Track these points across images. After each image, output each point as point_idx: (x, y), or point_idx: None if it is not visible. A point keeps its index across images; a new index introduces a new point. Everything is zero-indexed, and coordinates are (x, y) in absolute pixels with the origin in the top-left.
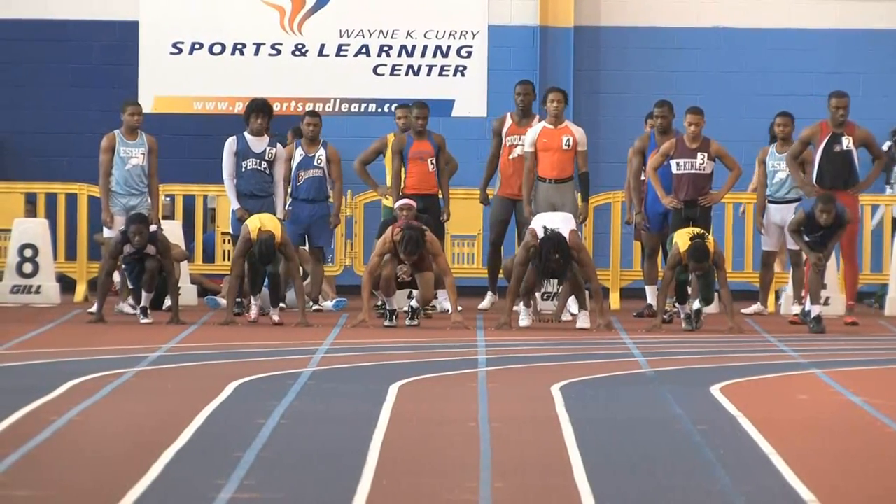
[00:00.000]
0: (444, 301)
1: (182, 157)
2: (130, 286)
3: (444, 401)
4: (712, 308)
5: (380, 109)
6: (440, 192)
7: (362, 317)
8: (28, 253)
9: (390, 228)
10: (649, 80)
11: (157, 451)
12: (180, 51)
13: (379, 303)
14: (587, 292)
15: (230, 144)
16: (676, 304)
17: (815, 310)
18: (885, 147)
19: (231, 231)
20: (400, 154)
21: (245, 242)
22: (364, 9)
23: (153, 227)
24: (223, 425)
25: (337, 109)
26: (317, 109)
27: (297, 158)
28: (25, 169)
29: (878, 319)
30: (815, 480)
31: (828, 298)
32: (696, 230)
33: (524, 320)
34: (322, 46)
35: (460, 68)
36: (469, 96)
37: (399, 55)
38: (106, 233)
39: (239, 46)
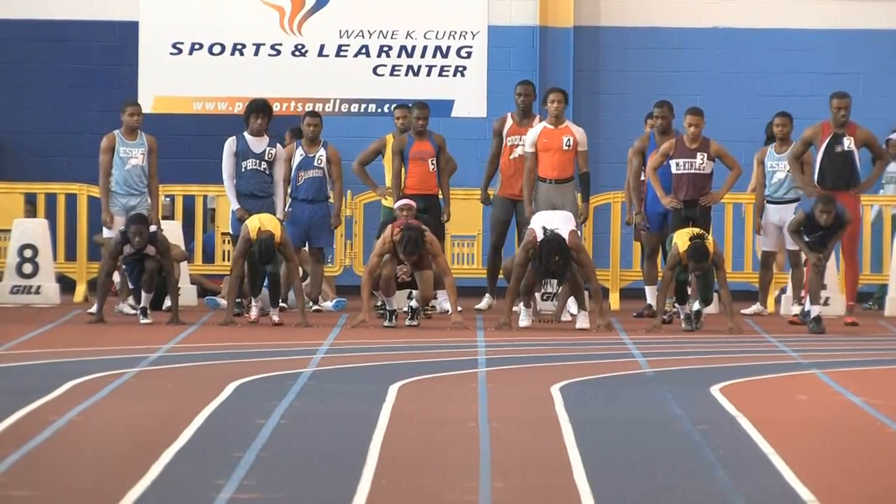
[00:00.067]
0: (443, 301)
1: (182, 157)
2: (130, 286)
3: (444, 401)
4: (712, 308)
5: (379, 110)
6: (440, 192)
7: (362, 317)
8: (28, 253)
9: (389, 228)
10: (649, 81)
11: (157, 452)
12: (180, 51)
13: (379, 303)
14: (587, 293)
15: (230, 145)
16: (676, 305)
17: (815, 310)
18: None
19: (231, 231)
20: (400, 154)
21: (245, 243)
22: (364, 9)
23: (153, 228)
24: (223, 425)
25: (337, 110)
26: (317, 110)
27: (297, 159)
28: (25, 169)
29: (877, 319)
30: (815, 480)
31: (827, 299)
32: (696, 230)
33: (524, 321)
34: (322, 47)
35: (460, 69)
36: (469, 97)
37: (399, 55)
38: (106, 233)
39: (239, 47)
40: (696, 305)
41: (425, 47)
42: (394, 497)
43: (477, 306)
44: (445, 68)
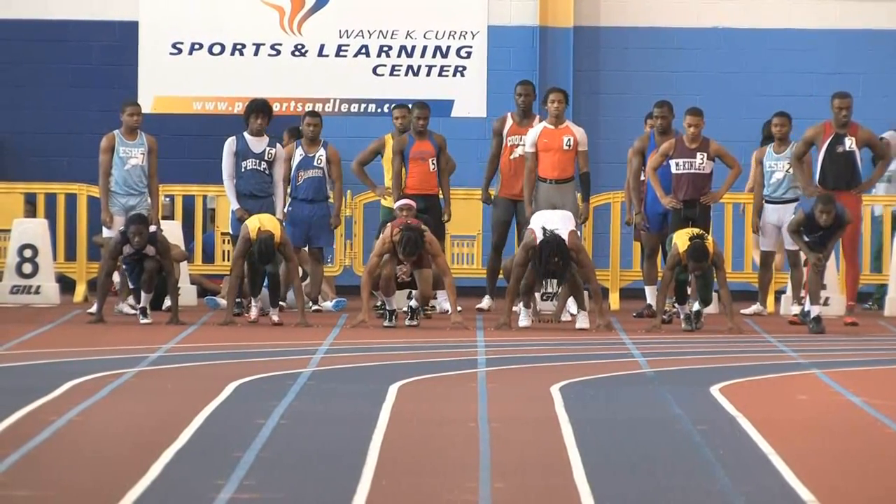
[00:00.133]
0: (443, 301)
1: (181, 157)
2: (130, 286)
3: (443, 401)
4: (712, 308)
5: (379, 110)
6: (441, 192)
7: (362, 317)
8: (28, 253)
9: (389, 228)
10: (649, 81)
11: (156, 452)
12: (180, 51)
13: (378, 303)
14: (586, 293)
15: (230, 145)
16: (676, 305)
17: (815, 310)
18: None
19: (231, 231)
20: (401, 154)
21: (244, 242)
22: (364, 9)
23: (152, 228)
24: (223, 425)
25: (336, 110)
26: (316, 110)
27: (296, 158)
28: (25, 169)
29: (877, 320)
30: (815, 481)
31: (827, 299)
32: (696, 231)
33: (524, 321)
34: (322, 47)
35: (460, 69)
36: (469, 97)
37: (399, 55)
38: (105, 233)
39: (238, 47)
40: (695, 306)
41: (425, 47)
42: (394, 497)
43: (478, 306)
44: (445, 68)
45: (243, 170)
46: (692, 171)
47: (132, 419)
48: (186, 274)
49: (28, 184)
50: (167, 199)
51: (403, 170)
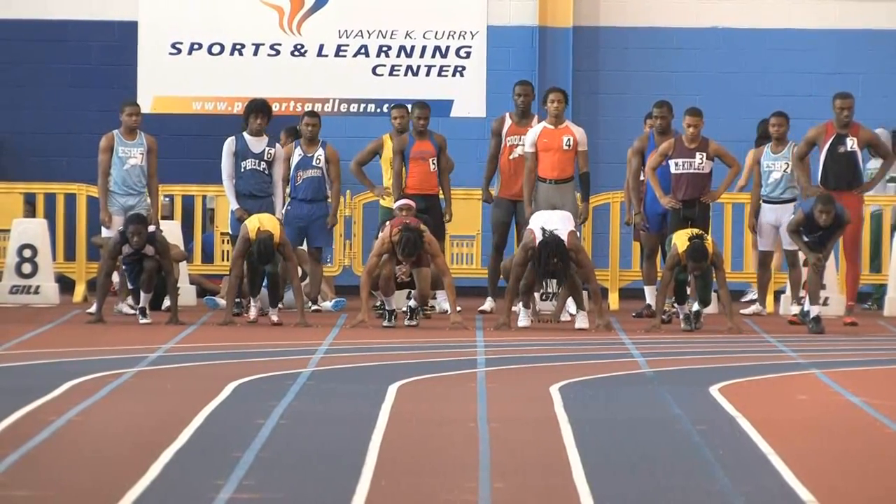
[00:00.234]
0: (443, 301)
1: (181, 157)
2: (129, 286)
3: (443, 401)
4: (711, 308)
5: (379, 110)
6: (441, 192)
7: (361, 317)
8: (27, 253)
9: (388, 228)
10: (649, 81)
11: (156, 452)
12: (179, 51)
13: (378, 303)
14: (585, 293)
15: (229, 145)
16: (675, 305)
17: (814, 310)
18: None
19: (230, 231)
20: (401, 154)
21: (244, 242)
22: (363, 9)
23: (151, 228)
24: (222, 425)
25: (336, 110)
26: (316, 110)
27: (295, 158)
28: (25, 169)
29: (877, 320)
30: (815, 481)
31: (827, 299)
32: (695, 231)
33: (523, 321)
34: (321, 47)
35: (459, 69)
36: (468, 97)
37: (398, 55)
38: (105, 233)
39: (238, 47)
40: (695, 306)
41: (424, 47)
42: (393, 497)
43: (481, 308)
44: (445, 68)
45: (243, 170)
46: (691, 171)
47: (132, 419)
48: (186, 274)
49: (27, 184)
50: (166, 199)
51: (404, 170)
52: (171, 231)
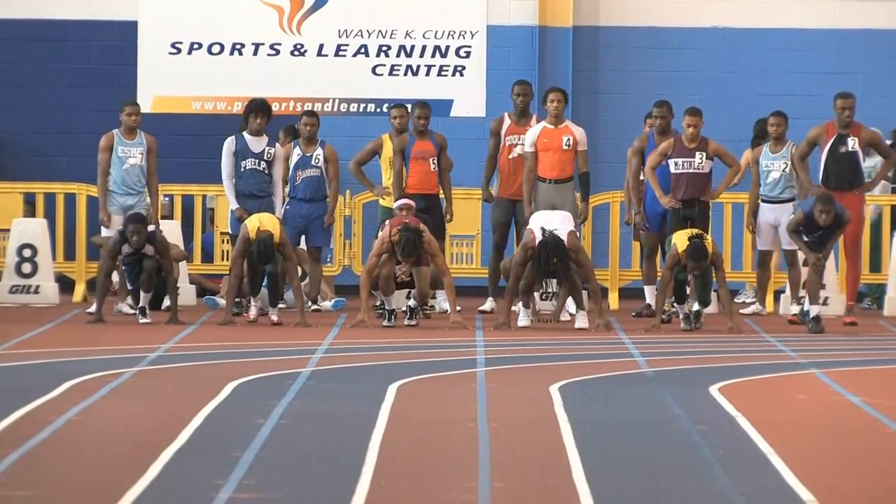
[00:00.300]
0: (443, 301)
1: (181, 157)
2: (129, 287)
3: (443, 401)
4: (711, 308)
5: (378, 109)
6: (441, 191)
7: (361, 317)
8: (27, 253)
9: (388, 227)
10: (649, 80)
11: (156, 451)
12: (179, 51)
13: (378, 303)
14: (585, 292)
15: (229, 144)
16: (675, 304)
17: (814, 310)
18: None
19: (230, 231)
20: (402, 154)
21: (244, 242)
22: (363, 9)
23: (151, 227)
24: (222, 425)
25: (336, 109)
26: (315, 109)
27: (294, 158)
28: (24, 169)
29: (876, 319)
30: (815, 480)
31: (826, 298)
32: (695, 230)
33: (523, 320)
34: (321, 46)
35: (459, 68)
36: (468, 96)
37: (398, 55)
38: (104, 232)
39: (238, 46)
40: (695, 306)
41: (424, 47)
42: (393, 497)
43: (481, 308)
44: (444, 68)
45: (242, 169)
46: (691, 170)
47: (131, 419)
48: (186, 274)
49: (27, 183)
50: (166, 198)
51: (404, 169)
52: (171, 231)
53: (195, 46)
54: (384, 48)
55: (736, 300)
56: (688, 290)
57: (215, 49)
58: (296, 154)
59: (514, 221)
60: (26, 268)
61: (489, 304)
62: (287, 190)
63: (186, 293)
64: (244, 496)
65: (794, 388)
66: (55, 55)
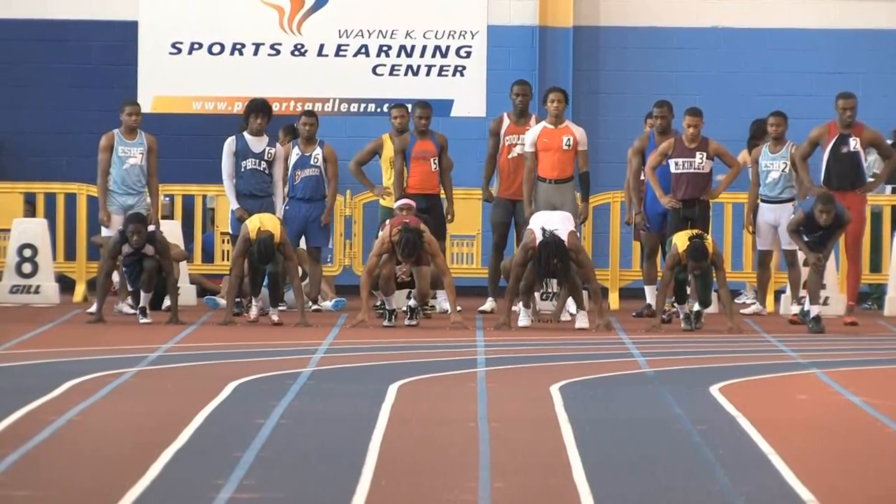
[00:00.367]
0: (443, 301)
1: (181, 157)
2: (129, 287)
3: (443, 401)
4: (711, 308)
5: (379, 109)
6: (443, 192)
7: (361, 317)
8: (27, 253)
9: (388, 227)
10: (649, 81)
11: (156, 451)
12: (179, 51)
13: (378, 303)
14: (585, 293)
15: (229, 144)
16: (675, 304)
17: (815, 310)
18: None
19: (230, 231)
20: (403, 153)
21: (244, 242)
22: (363, 9)
23: (151, 227)
24: (222, 425)
25: (336, 109)
26: (315, 109)
27: (293, 158)
28: (25, 169)
29: (877, 319)
30: (815, 480)
31: (827, 298)
32: (695, 230)
33: (523, 320)
34: (321, 46)
35: (459, 68)
36: (468, 96)
37: (398, 55)
38: (104, 232)
39: (238, 46)
40: (695, 306)
41: (424, 47)
42: (393, 497)
43: (481, 308)
44: (445, 68)
45: (243, 169)
46: (691, 170)
47: (132, 419)
48: (186, 274)
49: (28, 183)
50: (166, 198)
51: (405, 169)
52: (172, 231)
53: (195, 46)
54: (384, 48)
55: (736, 301)
56: (688, 291)
57: (216, 49)
58: (295, 154)
59: (514, 221)
60: (27, 268)
61: (489, 304)
62: (286, 190)
63: (187, 293)
64: (244, 496)
65: (795, 388)
66: (55, 55)
